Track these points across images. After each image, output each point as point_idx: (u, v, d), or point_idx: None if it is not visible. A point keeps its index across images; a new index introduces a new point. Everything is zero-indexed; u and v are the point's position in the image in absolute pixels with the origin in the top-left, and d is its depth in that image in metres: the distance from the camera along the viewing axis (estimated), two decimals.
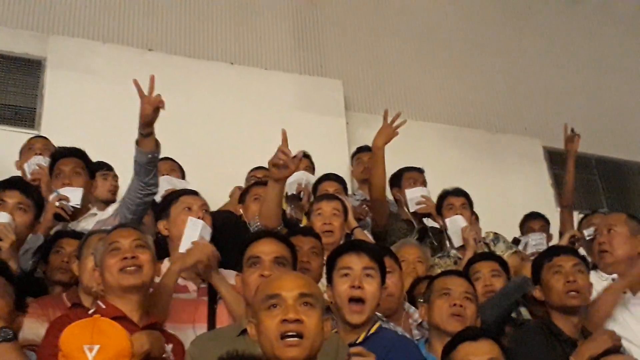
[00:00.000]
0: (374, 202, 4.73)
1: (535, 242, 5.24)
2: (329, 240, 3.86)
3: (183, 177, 5.12)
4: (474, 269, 3.79)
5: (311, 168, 5.32)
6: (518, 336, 3.30)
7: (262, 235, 3.04)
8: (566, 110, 7.68)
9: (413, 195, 5.03)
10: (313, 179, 5.17)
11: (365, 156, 5.60)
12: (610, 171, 7.68)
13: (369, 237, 4.49)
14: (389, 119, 4.52)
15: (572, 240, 4.61)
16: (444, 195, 4.77)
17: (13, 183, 3.72)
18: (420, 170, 5.30)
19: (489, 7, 8.09)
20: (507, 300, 3.52)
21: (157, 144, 3.56)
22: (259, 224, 3.58)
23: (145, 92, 3.46)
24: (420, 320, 3.49)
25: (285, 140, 3.44)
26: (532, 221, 5.70)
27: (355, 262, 2.93)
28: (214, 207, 4.54)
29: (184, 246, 3.29)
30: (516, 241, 5.39)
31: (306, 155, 5.28)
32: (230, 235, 3.65)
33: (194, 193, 3.62)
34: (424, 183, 5.21)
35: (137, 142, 3.54)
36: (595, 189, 7.50)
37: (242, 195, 4.50)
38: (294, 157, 3.40)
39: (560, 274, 3.30)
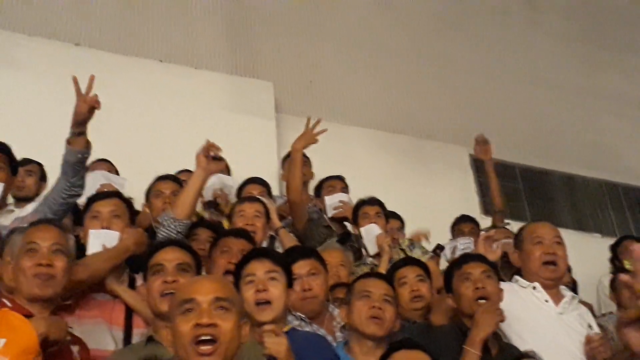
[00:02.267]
0: (292, 205, 4.79)
1: (464, 247, 5.31)
2: None
3: None
4: (400, 274, 3.82)
5: (226, 171, 5.29)
6: (430, 338, 3.28)
7: (165, 244, 3.07)
8: (493, 120, 7.83)
9: (331, 201, 5.15)
10: (229, 180, 5.16)
11: None
12: (534, 180, 7.85)
13: (293, 237, 4.53)
14: (311, 125, 4.66)
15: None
16: (359, 204, 4.86)
17: None
18: (339, 178, 5.41)
19: (421, 15, 8.19)
20: None
21: (87, 144, 3.51)
22: (170, 214, 3.52)
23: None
24: (343, 323, 3.51)
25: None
26: (462, 224, 5.78)
27: (258, 268, 2.99)
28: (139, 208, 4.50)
29: None
30: (440, 247, 5.46)
31: (220, 159, 5.29)
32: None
33: (108, 196, 3.54)
34: (343, 190, 5.32)
35: (68, 141, 3.49)
36: (519, 198, 7.66)
37: (146, 193, 4.44)
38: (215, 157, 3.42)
39: (469, 280, 3.32)
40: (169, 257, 2.93)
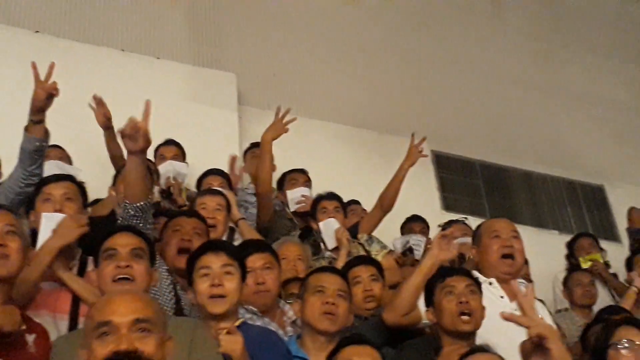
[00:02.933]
0: (259, 197, 4.80)
1: (415, 242, 5.37)
2: (212, 235, 3.86)
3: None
4: (353, 273, 3.81)
5: (180, 156, 5.27)
6: (400, 350, 3.30)
7: (119, 229, 3.01)
8: (455, 116, 7.89)
9: (293, 195, 5.17)
10: (182, 167, 5.13)
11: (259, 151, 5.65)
12: (493, 176, 7.92)
13: (252, 229, 4.55)
14: (280, 115, 4.65)
15: None
16: (318, 199, 4.90)
17: None
18: (302, 171, 5.41)
19: (386, 10, 8.19)
20: None
21: (46, 133, 3.49)
22: (127, 202, 3.39)
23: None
24: (294, 318, 3.52)
25: (146, 113, 3.22)
26: (414, 223, 5.84)
27: (214, 261, 2.96)
28: (99, 196, 4.45)
29: (39, 244, 3.14)
30: (410, 249, 5.49)
31: (174, 143, 5.27)
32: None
33: (60, 179, 3.43)
34: (305, 183, 5.33)
35: (26, 129, 3.44)
36: (479, 193, 7.73)
37: (114, 177, 4.40)
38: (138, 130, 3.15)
39: (452, 294, 3.20)
40: (123, 242, 2.87)
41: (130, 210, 3.30)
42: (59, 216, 3.20)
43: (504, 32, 8.83)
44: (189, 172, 5.29)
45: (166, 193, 4.94)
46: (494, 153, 7.85)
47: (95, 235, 3.23)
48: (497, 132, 8.05)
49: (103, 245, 2.90)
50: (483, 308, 3.24)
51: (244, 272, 3.05)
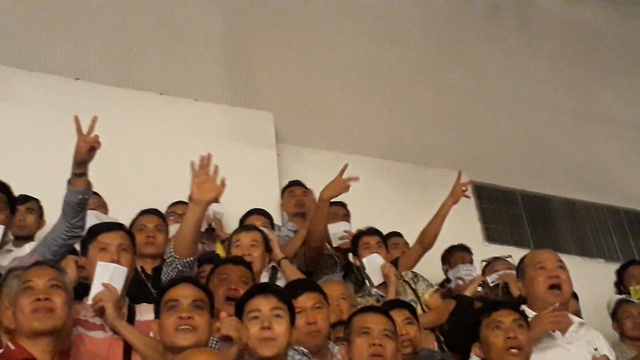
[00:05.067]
0: (311, 249, 4.76)
1: (465, 273, 5.30)
2: None
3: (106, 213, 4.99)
4: None
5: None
6: None
7: (179, 280, 3.06)
8: (493, 145, 7.84)
9: (336, 230, 5.08)
10: (218, 207, 5.13)
11: (298, 190, 5.70)
12: (535, 205, 7.81)
13: (295, 269, 4.52)
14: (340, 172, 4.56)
15: (480, 284, 4.77)
16: (359, 235, 4.83)
17: None
18: (341, 204, 5.34)
19: (418, 43, 8.22)
20: None
21: (88, 185, 3.51)
22: (172, 252, 3.46)
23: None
24: None
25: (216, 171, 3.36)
26: (462, 252, 5.75)
27: (264, 304, 2.95)
28: None
29: (92, 293, 3.20)
30: (448, 280, 5.43)
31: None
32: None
33: (115, 228, 3.49)
34: (345, 217, 5.29)
35: (69, 182, 3.48)
36: (521, 223, 7.62)
37: (129, 227, 4.29)
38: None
39: (499, 329, 3.20)
40: (184, 293, 2.93)
41: (178, 266, 3.37)
42: (114, 266, 3.25)
43: (536, 59, 8.80)
44: (225, 210, 5.28)
45: (209, 231, 4.99)
46: (534, 182, 7.76)
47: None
48: (536, 161, 7.97)
49: (164, 296, 2.96)
50: (531, 342, 3.21)
51: (292, 315, 3.03)
